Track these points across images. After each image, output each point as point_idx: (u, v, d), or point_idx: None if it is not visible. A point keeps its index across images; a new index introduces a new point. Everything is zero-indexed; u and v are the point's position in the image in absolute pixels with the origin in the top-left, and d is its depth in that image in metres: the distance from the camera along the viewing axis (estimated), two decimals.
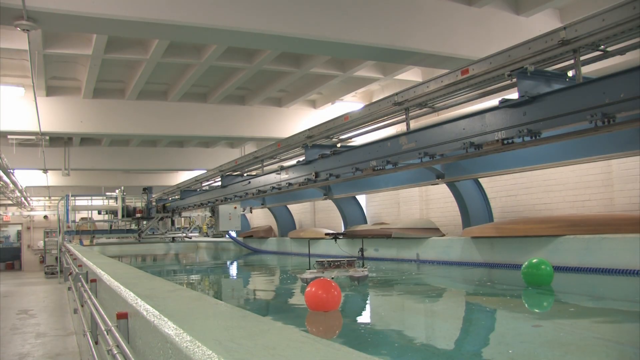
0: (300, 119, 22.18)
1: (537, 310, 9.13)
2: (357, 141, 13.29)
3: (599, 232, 12.10)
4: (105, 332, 4.19)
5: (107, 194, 32.72)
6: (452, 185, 15.66)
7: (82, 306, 8.08)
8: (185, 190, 25.84)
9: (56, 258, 23.12)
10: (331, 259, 12.98)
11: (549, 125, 8.12)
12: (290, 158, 16.15)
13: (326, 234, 14.07)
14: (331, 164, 12.65)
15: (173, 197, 28.31)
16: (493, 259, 14.07)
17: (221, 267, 23.04)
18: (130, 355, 3.24)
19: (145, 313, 3.05)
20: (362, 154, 11.52)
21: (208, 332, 2.31)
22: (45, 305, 16.32)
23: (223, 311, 3.12)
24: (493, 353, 5.91)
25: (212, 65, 16.82)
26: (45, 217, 42.22)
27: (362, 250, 15.26)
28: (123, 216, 30.54)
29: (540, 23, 13.16)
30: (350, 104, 20.79)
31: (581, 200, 14.69)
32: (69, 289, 12.69)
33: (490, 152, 9.14)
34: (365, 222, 22.23)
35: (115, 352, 3.46)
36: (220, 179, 20.37)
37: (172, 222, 30.83)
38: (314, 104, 22.93)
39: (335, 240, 14.93)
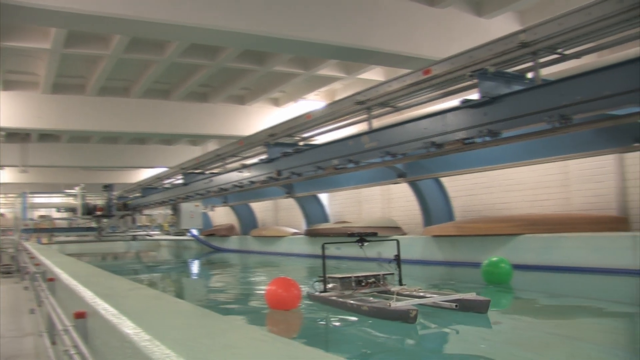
0: (263, 117, 22.12)
1: (496, 308, 9.25)
2: (320, 140, 13.30)
3: (557, 230, 12.32)
4: (62, 333, 4.11)
5: (67, 191, 32.23)
6: (413, 185, 15.77)
7: (39, 306, 7.93)
8: (147, 188, 25.59)
9: (12, 257, 22.75)
10: (356, 274, 9.00)
11: (509, 126, 8.24)
12: (253, 156, 16.09)
13: (349, 235, 9.27)
14: (293, 162, 12.65)
15: (134, 195, 28.01)
16: (454, 258, 14.22)
17: (183, 265, 22.88)
18: (88, 356, 3.19)
19: (103, 312, 3.01)
20: (324, 152, 11.54)
21: (167, 331, 2.29)
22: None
23: (183, 310, 3.10)
24: (454, 349, 5.97)
25: (175, 62, 16.68)
26: (1, 214, 41.37)
27: (397, 257, 9.29)
28: (83, 214, 30.11)
29: (501, 25, 13.34)
30: (313, 102, 20.80)
31: (540, 200, 14.94)
32: (26, 288, 12.45)
33: (451, 151, 9.24)
34: (327, 221, 22.27)
35: (73, 352, 3.41)
36: (182, 176, 20.22)
37: (133, 220, 30.50)
38: (276, 103, 22.90)
39: (362, 245, 9.07)
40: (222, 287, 13.72)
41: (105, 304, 3.13)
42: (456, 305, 7.22)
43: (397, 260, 9.16)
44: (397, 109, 10.62)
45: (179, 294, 12.40)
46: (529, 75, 8.77)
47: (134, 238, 30.77)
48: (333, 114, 11.26)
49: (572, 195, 14.14)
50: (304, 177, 12.81)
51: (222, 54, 16.27)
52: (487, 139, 8.40)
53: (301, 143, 13.49)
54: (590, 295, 9.80)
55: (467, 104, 8.58)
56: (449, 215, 16.24)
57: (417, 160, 12.23)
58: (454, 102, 9.20)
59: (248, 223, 27.43)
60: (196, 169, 19.13)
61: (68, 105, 19.38)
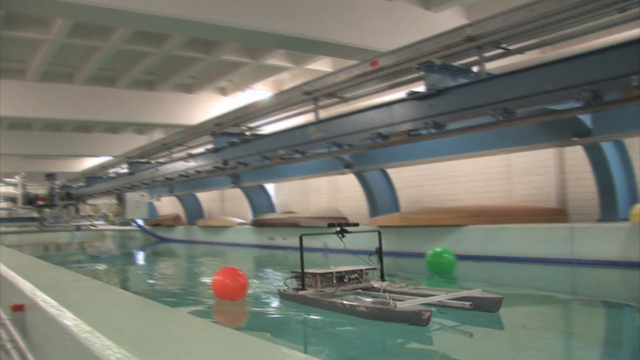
0: (210, 106, 21.93)
1: None
2: (266, 130, 13.27)
3: (499, 222, 12.58)
4: None
5: (6, 180, 31.36)
6: (360, 175, 15.87)
7: None
8: (91, 177, 25.14)
9: None
10: (337, 269, 7.86)
11: (454, 118, 8.37)
12: (199, 145, 15.96)
13: (329, 225, 8.16)
14: (240, 152, 12.60)
15: (78, 184, 27.48)
16: (399, 248, 14.36)
17: (128, 256, 22.56)
18: (26, 350, 3.13)
19: (43, 304, 2.95)
20: (270, 142, 11.53)
21: (109, 322, 2.27)
22: None
23: (126, 301, 3.07)
24: (393, 335, 6.01)
25: (120, 48, 16.39)
26: None
27: (379, 250, 8.19)
28: (24, 204, 29.36)
29: (449, 19, 13.50)
30: (261, 92, 20.71)
31: (483, 192, 15.23)
32: None
33: (397, 143, 9.34)
34: (274, 211, 22.24)
35: (10, 347, 3.33)
36: (127, 165, 19.92)
37: (77, 210, 29.91)
38: (224, 92, 22.72)
39: (342, 237, 7.94)
40: (168, 278, 13.59)
41: (45, 296, 3.07)
42: (470, 305, 6.26)
43: (379, 253, 8.14)
44: (344, 100, 10.67)
45: (123, 285, 12.22)
46: (475, 69, 8.92)
47: (78, 228, 30.17)
48: (280, 104, 11.25)
49: (514, 187, 14.46)
50: (251, 167, 12.77)
51: (169, 42, 16.05)
52: (433, 131, 8.52)
53: (248, 133, 13.44)
54: (530, 284, 10.05)
55: (413, 96, 8.69)
56: (394, 206, 16.40)
57: (363, 151, 12.31)
58: (400, 94, 9.29)
59: (194, 213, 27.19)
60: (142, 158, 18.88)
61: (7, 91, 18.75)
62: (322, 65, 18.36)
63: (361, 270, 7.92)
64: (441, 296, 6.60)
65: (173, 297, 9.69)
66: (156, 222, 29.19)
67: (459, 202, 15.68)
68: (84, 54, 17.71)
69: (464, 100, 8.15)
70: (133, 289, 10.78)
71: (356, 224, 8.53)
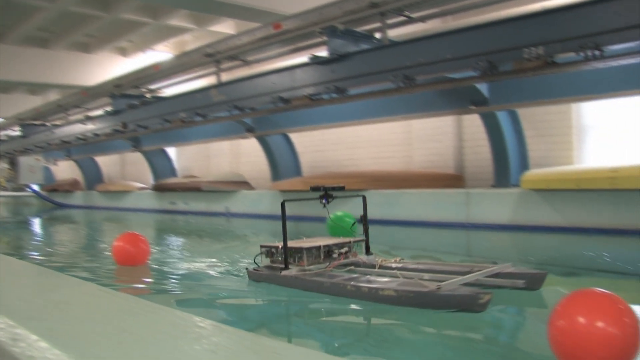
0: (109, 67, 21.18)
1: None
2: (167, 92, 12.99)
3: (399, 186, 12.87)
4: None
5: None
6: (262, 140, 15.82)
7: None
8: None
9: None
10: (324, 242, 6.36)
11: (356, 84, 8.46)
12: (97, 108, 15.46)
13: (311, 188, 6.57)
14: (140, 114, 12.29)
15: None
16: (301, 212, 14.46)
17: (22, 223, 21.67)
18: None
19: None
20: (171, 105, 11.30)
21: None
22: None
23: (16, 269, 2.95)
24: (292, 296, 6.04)
25: (9, 0, 15.48)
26: None
27: (364, 218, 6.90)
28: None
29: None
30: (162, 53, 20.19)
31: (384, 157, 15.52)
32: None
33: (299, 107, 9.35)
34: (176, 175, 21.90)
35: None
36: (19, 128, 19.06)
37: None
38: (124, 52, 22.00)
39: (326, 204, 6.48)
40: (65, 245, 13.16)
41: None
42: (524, 282, 5.02)
43: (364, 221, 6.83)
44: (247, 63, 10.57)
45: (17, 253, 11.75)
46: (377, 35, 9.01)
47: None
48: (181, 65, 11.02)
49: (414, 153, 14.81)
50: (151, 130, 12.49)
51: None
52: (334, 95, 8.57)
53: (148, 95, 13.12)
54: (427, 247, 10.36)
55: (315, 61, 8.70)
56: (296, 170, 16.48)
57: (265, 115, 12.28)
58: (303, 58, 9.29)
59: (93, 178, 26.38)
60: (36, 120, 18.12)
61: None
62: (225, 27, 18.05)
63: (350, 242, 6.53)
64: (482, 272, 5.28)
65: (71, 264, 9.41)
66: (53, 187, 28.15)
67: (360, 167, 15.92)
68: None
69: (365, 66, 8.23)
70: (27, 258, 10.40)
71: (342, 187, 6.75)
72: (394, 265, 6.09)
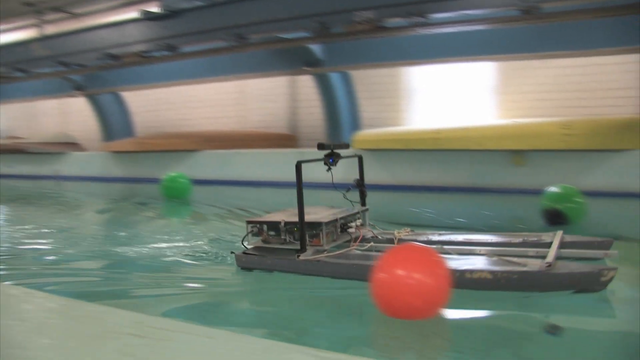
0: None
1: (175, 219, 9.51)
2: None
3: (233, 147, 12.91)
4: None
5: None
6: (92, 98, 15.16)
7: None
8: None
9: None
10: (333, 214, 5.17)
11: (188, 41, 8.33)
12: None
13: (318, 146, 5.20)
14: None
15: None
16: (134, 174, 14.13)
17: None
18: None
19: None
20: None
21: None
22: None
23: None
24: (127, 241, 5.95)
25: None
26: None
27: (360, 183, 5.73)
28: None
29: None
30: None
31: (219, 117, 15.44)
32: None
33: (129, 64, 9.07)
34: None
35: None
36: None
37: None
38: None
39: (330, 166, 5.20)
40: None
41: None
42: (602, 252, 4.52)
43: (360, 186, 5.75)
44: (75, 16, 10.05)
45: None
46: None
47: None
48: None
49: (248, 113, 14.87)
50: None
51: None
52: (166, 53, 8.40)
53: None
54: (262, 206, 10.49)
55: (147, 16, 8.45)
56: (129, 131, 16.01)
57: (95, 73, 11.76)
58: (134, 13, 8.99)
59: None
60: None
61: None
62: None
63: (357, 213, 5.52)
64: (557, 242, 4.58)
65: None
66: None
67: (195, 127, 15.74)
68: None
69: (198, 23, 8.13)
70: None
71: (347, 145, 5.72)
72: (418, 238, 5.19)
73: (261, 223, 4.97)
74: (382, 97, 13.05)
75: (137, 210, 9.86)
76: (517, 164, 9.95)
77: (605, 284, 3.85)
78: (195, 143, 13.26)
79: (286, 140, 13.68)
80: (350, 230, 5.19)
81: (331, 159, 5.25)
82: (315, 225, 4.80)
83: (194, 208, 10.22)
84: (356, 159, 5.84)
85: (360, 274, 4.19)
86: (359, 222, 5.43)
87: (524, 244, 4.85)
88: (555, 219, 6.65)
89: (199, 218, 8.98)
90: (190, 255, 5.60)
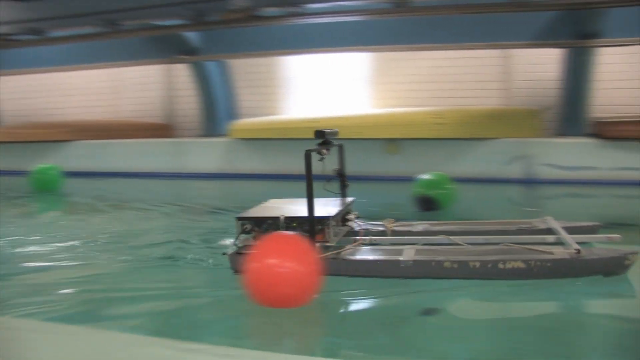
0: None
1: (54, 211, 9.20)
2: None
3: (107, 137, 12.58)
4: None
5: None
6: None
7: None
8: None
9: None
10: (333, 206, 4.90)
11: (57, 25, 8.01)
12: None
13: (316, 133, 4.78)
14: None
15: None
16: (1, 166, 13.42)
17: None
18: None
19: None
20: None
21: None
22: None
23: None
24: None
25: None
26: None
27: (341, 173, 5.50)
28: None
29: None
30: None
31: (91, 106, 14.95)
32: None
33: None
34: None
35: None
36: None
37: None
38: None
39: (323, 156, 4.85)
40: None
41: None
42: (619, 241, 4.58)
43: (341, 176, 5.50)
44: None
45: None
46: None
47: None
48: None
49: (122, 102, 14.49)
50: None
51: None
52: (32, 37, 8.04)
53: None
54: (139, 197, 10.27)
55: None
56: None
57: None
58: None
59: None
60: None
61: None
62: None
63: (352, 203, 5.37)
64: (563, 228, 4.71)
65: None
66: None
67: (70, 116, 15.12)
68: None
69: (67, 7, 7.82)
70: None
71: (335, 131, 5.19)
72: (412, 229, 5.16)
73: (255, 220, 4.56)
74: (260, 87, 13.09)
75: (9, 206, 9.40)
76: (391, 153, 10.28)
77: (628, 267, 4.06)
78: (65, 133, 12.78)
79: (162, 130, 13.45)
80: (349, 223, 5.01)
81: (324, 149, 4.87)
82: (321, 220, 4.43)
83: (69, 200, 9.94)
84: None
85: (406, 271, 4.13)
86: (354, 214, 5.20)
87: (520, 232, 4.95)
88: (426, 205, 6.97)
89: (74, 210, 8.75)
90: None
